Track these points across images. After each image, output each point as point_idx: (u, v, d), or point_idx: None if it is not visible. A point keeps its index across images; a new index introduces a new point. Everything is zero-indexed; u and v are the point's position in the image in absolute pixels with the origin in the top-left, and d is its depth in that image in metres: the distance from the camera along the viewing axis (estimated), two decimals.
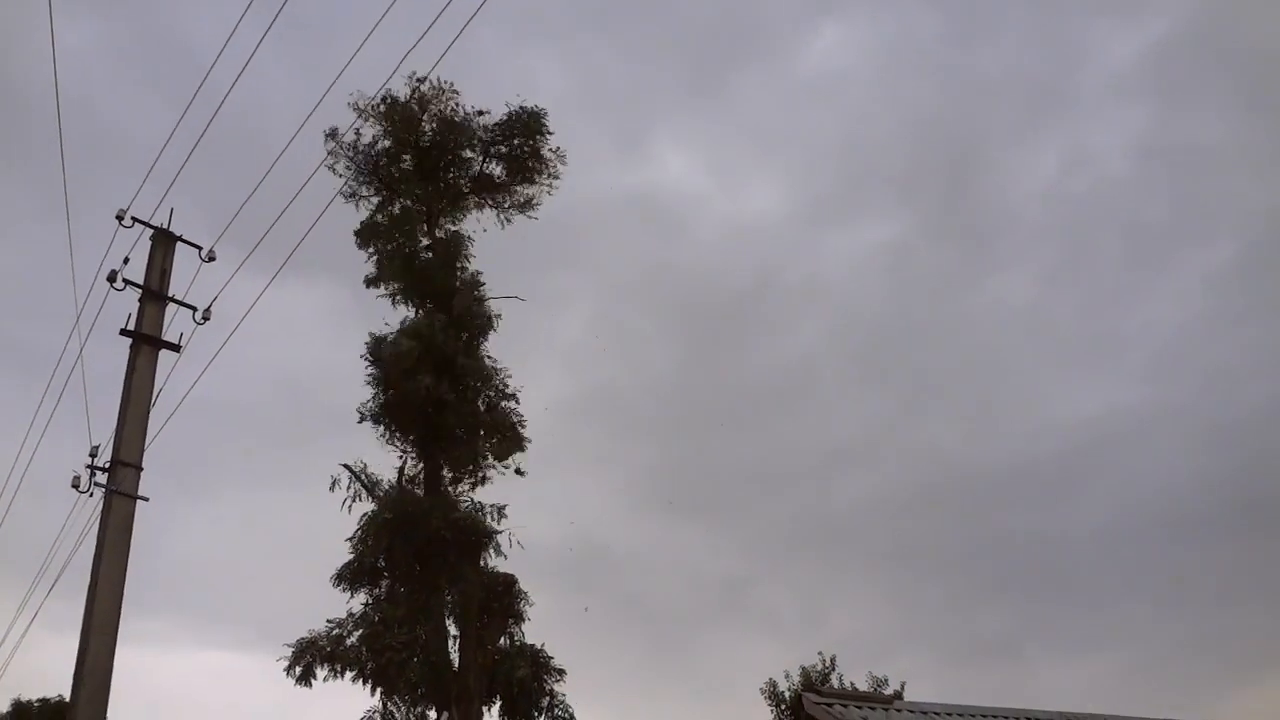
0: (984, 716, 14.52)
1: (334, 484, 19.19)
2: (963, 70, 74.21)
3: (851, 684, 25.18)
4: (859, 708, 13.33)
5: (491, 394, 20.31)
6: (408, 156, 22.01)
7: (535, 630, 18.86)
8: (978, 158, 72.42)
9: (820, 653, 26.71)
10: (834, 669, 26.04)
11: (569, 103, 71.99)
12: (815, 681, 25.03)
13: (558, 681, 18.38)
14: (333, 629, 17.82)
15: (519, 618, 18.51)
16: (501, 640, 18.30)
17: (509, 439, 20.14)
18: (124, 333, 12.52)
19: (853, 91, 77.20)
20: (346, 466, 19.28)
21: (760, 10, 78.76)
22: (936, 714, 14.01)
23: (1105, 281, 71.06)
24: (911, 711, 13.85)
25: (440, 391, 18.98)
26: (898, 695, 23.38)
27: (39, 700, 36.96)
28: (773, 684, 26.36)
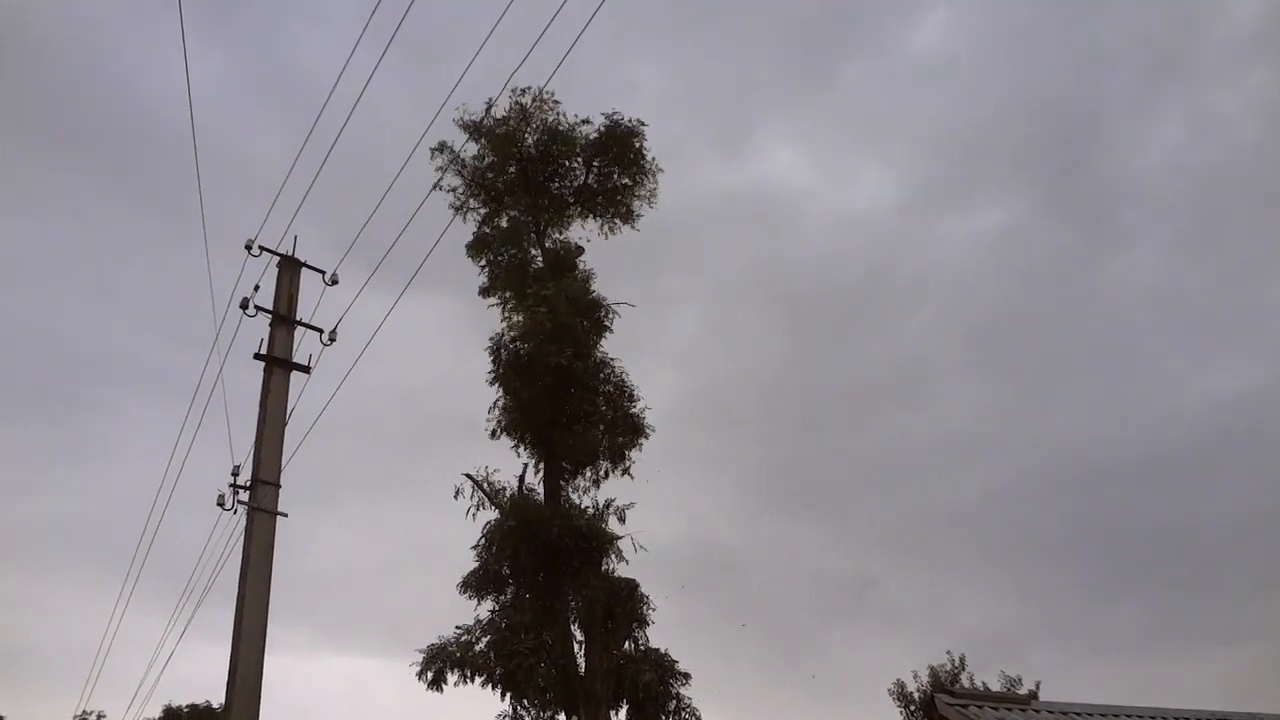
0: (1125, 715, 13.92)
1: (457, 493, 19.65)
2: (1077, 41, 71.32)
3: (983, 684, 24.56)
4: (994, 709, 12.95)
5: (610, 388, 20.39)
6: (513, 168, 22.43)
7: (657, 632, 18.92)
8: (1097, 131, 69.49)
9: (949, 652, 26.16)
10: (964, 668, 25.46)
11: (673, 103, 72.10)
12: (945, 681, 24.47)
13: (683, 685, 18.42)
14: (461, 635, 18.23)
15: (642, 622, 18.63)
16: (626, 644, 18.44)
17: (629, 430, 20.15)
18: (257, 356, 13.10)
19: (963, 73, 75.10)
20: (469, 476, 19.71)
21: None
22: (1076, 714, 13.50)
23: (1239, 252, 67.42)
24: (1050, 712, 13.39)
25: (567, 359, 18.99)
26: (1033, 695, 22.64)
27: (189, 706, 38.89)
28: (900, 685, 25.93)
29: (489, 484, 19.65)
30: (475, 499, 19.50)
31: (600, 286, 21.68)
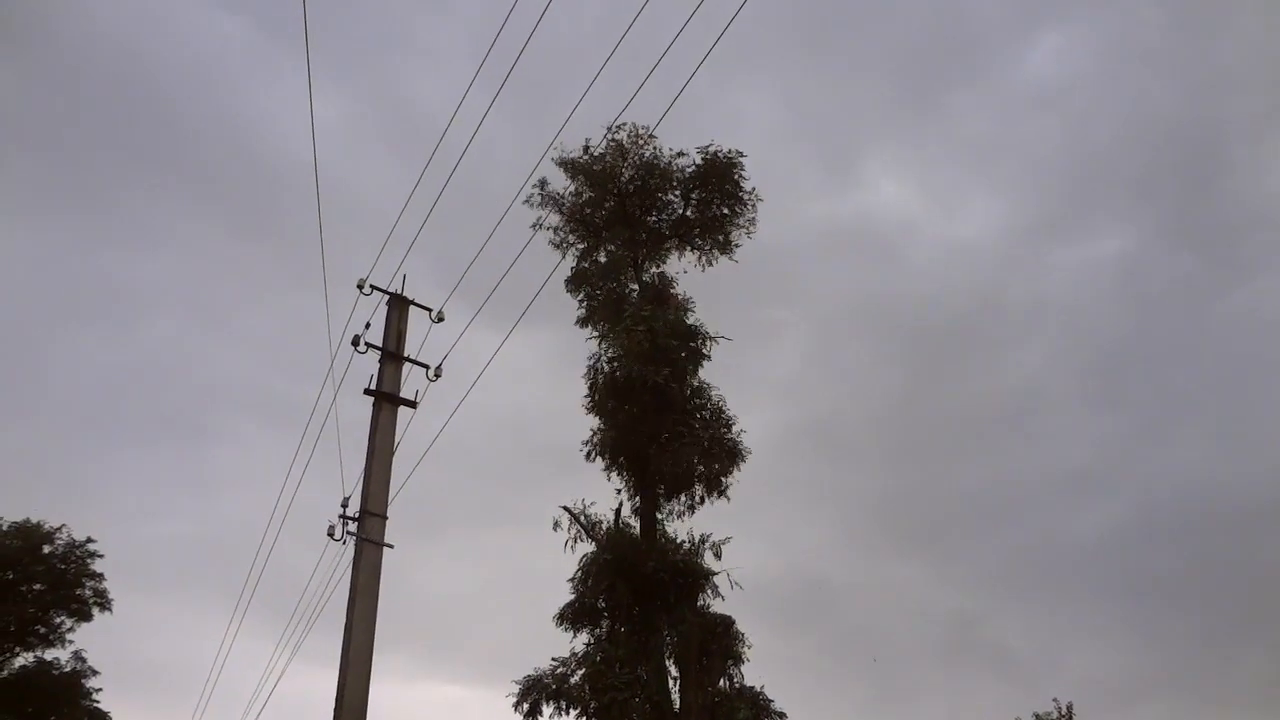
0: None
1: (556, 525, 19.86)
2: (1196, 62, 68.84)
3: None
4: None
5: (706, 412, 20.34)
6: (610, 203, 22.74)
7: (754, 669, 18.71)
8: (1218, 155, 66.84)
9: (1055, 699, 25.17)
10: (1071, 717, 24.44)
11: (780, 133, 72.06)
12: None
13: None
14: (557, 667, 18.36)
15: (738, 659, 18.47)
16: (721, 682, 18.30)
17: (725, 455, 20.01)
18: (367, 392, 13.54)
19: (1076, 97, 73.22)
20: (566, 509, 19.90)
21: (971, 25, 76.19)
22: None
23: None
24: None
25: (664, 378, 19.01)
26: None
27: None
28: None
29: (586, 517, 19.81)
30: (573, 531, 19.68)
31: (700, 318, 21.71)
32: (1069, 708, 24.90)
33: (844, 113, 77.40)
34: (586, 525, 19.62)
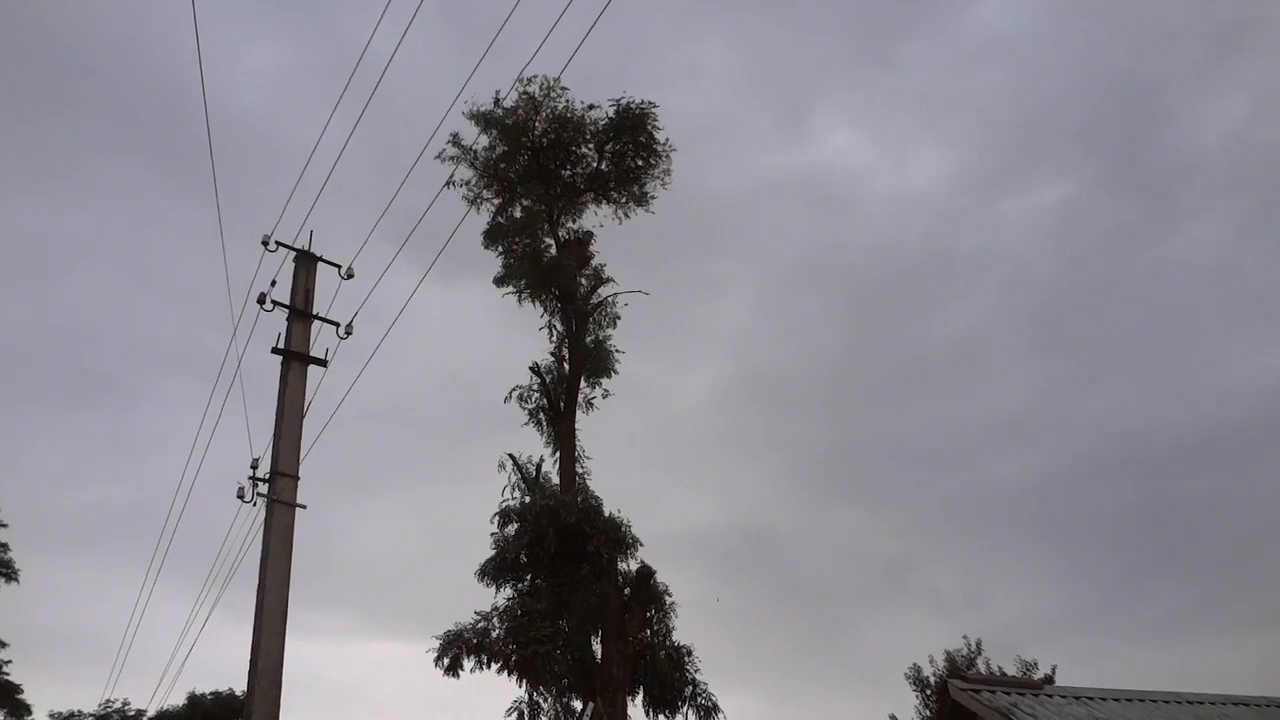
0: (1139, 700, 14.01)
1: (500, 466, 20.69)
2: (1140, 15, 70.10)
3: (999, 669, 24.60)
4: (1007, 694, 13.05)
5: None
6: (524, 157, 22.50)
7: (696, 615, 19.07)
8: (1159, 107, 68.37)
9: (965, 636, 26.21)
10: (980, 653, 25.49)
11: (734, 84, 71.42)
12: (960, 667, 24.54)
13: (698, 671, 18.60)
14: (478, 621, 18.44)
15: (661, 608, 18.78)
16: (646, 632, 18.61)
17: None
18: (275, 351, 13.25)
19: (1024, 50, 74.08)
20: (511, 455, 20.64)
21: None
22: (1089, 699, 13.59)
23: None
24: (1063, 697, 13.47)
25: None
26: (1048, 679, 22.72)
27: (212, 693, 39.38)
28: (917, 669, 25.98)
29: (523, 468, 20.13)
30: (513, 480, 19.92)
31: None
32: (978, 644, 25.98)
33: (797, 64, 77.36)
34: (525, 476, 19.84)
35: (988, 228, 71.95)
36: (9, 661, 32.69)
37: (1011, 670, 24.37)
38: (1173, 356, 67.17)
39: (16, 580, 32.91)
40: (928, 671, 25.70)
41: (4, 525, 33.01)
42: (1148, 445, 63.35)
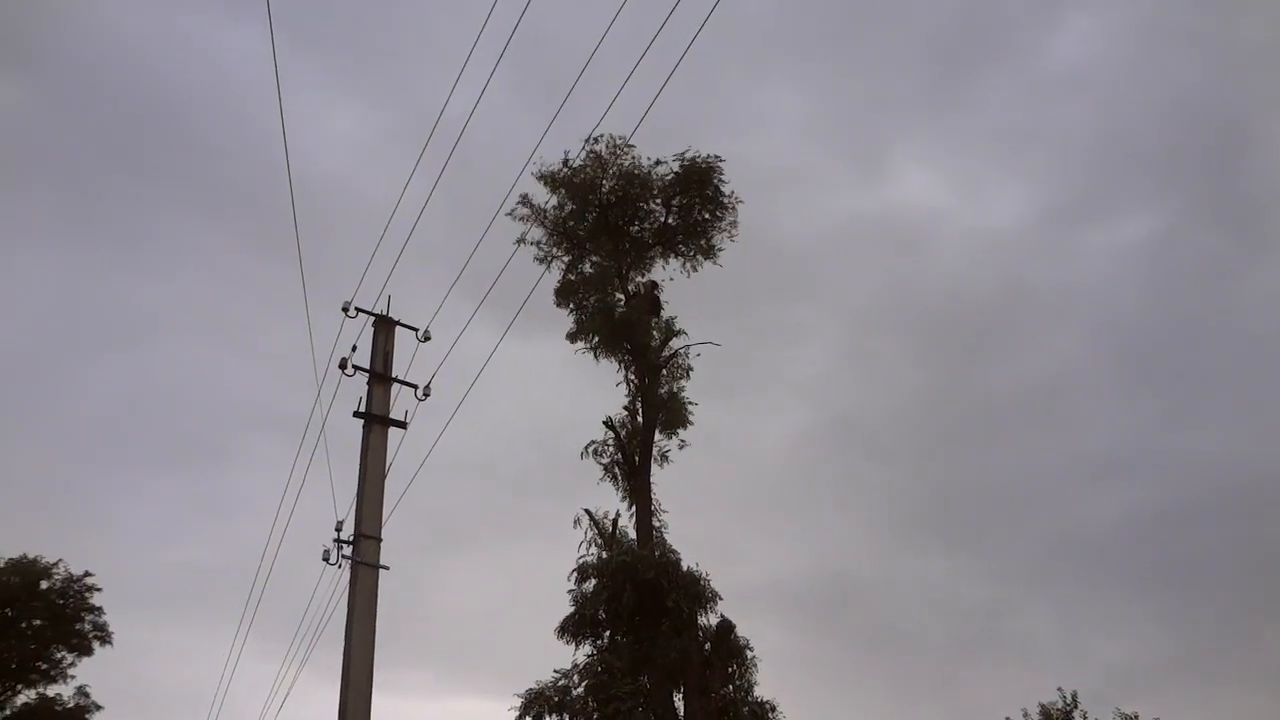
0: None
1: (576, 522, 20.35)
2: (1223, 39, 68.65)
3: None
4: None
5: None
6: (592, 214, 22.84)
7: (775, 669, 18.69)
8: (1246, 133, 66.58)
9: (1060, 689, 25.18)
10: (1076, 705, 24.46)
11: (806, 129, 71.52)
12: None
13: None
14: (559, 679, 18.35)
15: (743, 664, 18.49)
16: (727, 687, 18.31)
17: None
18: (356, 414, 13.55)
19: (1103, 80, 72.85)
20: (587, 511, 20.41)
21: (997, 11, 75.65)
22: None
23: None
24: None
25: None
26: None
27: None
28: None
29: (599, 523, 20.12)
30: (590, 535, 19.94)
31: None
32: (1073, 696, 24.93)
33: (870, 104, 76.87)
34: (602, 532, 19.83)
35: (1071, 263, 70.28)
36: None
37: None
38: (1272, 390, 64.35)
39: (110, 643, 33.88)
40: None
41: (99, 589, 34.09)
42: (1244, 484, 60.55)
